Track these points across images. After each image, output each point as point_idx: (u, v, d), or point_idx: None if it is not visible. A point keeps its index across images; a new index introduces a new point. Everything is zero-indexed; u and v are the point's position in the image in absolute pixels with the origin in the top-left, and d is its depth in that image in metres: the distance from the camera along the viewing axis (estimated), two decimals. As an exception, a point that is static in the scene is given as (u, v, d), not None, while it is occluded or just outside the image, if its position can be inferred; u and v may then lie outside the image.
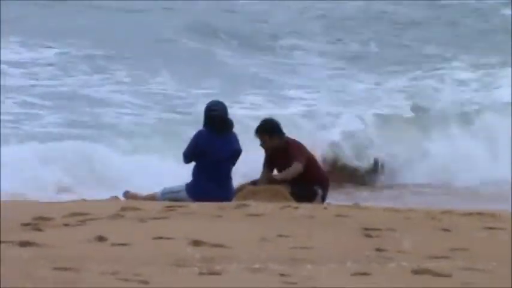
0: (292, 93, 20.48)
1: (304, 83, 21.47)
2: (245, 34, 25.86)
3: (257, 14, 28.00)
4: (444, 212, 8.30)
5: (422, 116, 19.29)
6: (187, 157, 10.24)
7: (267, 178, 10.19)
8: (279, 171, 10.23)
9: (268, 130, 10.26)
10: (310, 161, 10.22)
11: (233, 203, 9.14)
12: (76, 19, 25.46)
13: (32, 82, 19.99)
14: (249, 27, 26.59)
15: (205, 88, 19.89)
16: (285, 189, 9.72)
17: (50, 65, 21.29)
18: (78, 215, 7.27)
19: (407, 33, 26.58)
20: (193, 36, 25.13)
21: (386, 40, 25.91)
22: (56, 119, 17.26)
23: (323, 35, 25.85)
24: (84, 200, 9.56)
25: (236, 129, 10.39)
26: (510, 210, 8.89)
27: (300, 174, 9.93)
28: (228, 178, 10.17)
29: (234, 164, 10.18)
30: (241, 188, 10.13)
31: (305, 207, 8.55)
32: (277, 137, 10.18)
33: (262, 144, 10.28)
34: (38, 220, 6.81)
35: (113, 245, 5.74)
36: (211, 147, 10.01)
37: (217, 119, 10.07)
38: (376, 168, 16.45)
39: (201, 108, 10.94)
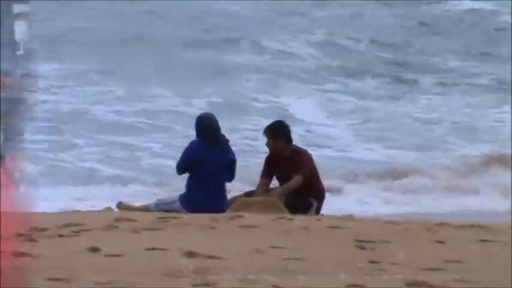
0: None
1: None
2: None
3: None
4: (439, 224, 8.29)
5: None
6: (180, 168, 10.22)
7: (262, 190, 10.11)
8: (280, 178, 10.14)
9: (274, 133, 10.16)
10: (312, 173, 10.10)
11: (227, 214, 9.12)
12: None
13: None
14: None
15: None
16: (278, 201, 9.66)
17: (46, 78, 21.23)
18: (72, 225, 7.27)
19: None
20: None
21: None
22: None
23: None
24: (78, 211, 9.54)
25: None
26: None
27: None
28: (221, 189, 10.14)
29: (232, 175, 10.14)
30: (235, 199, 10.09)
31: (299, 219, 8.53)
32: (282, 142, 10.08)
33: (267, 145, 10.20)
34: (32, 231, 6.80)
35: (107, 255, 5.74)
36: (205, 158, 9.99)
37: (209, 130, 10.06)
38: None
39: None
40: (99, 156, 16.70)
